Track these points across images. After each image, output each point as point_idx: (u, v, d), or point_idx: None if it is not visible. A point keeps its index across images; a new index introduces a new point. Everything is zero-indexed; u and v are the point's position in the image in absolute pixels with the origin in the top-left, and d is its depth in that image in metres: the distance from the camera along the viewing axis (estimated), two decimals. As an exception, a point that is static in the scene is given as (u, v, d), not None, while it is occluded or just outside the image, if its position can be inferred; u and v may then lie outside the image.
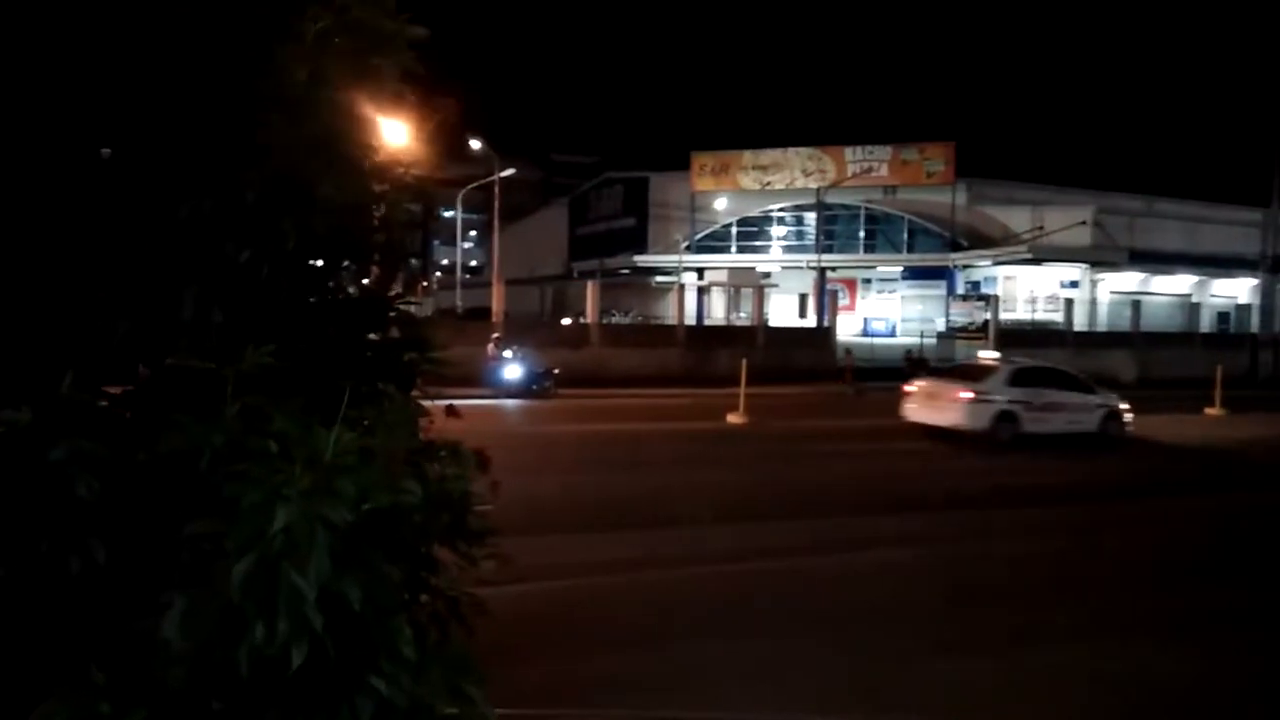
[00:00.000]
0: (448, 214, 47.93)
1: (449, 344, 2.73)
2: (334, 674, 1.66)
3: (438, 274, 60.42)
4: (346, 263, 2.64)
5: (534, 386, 21.76)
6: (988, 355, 21.29)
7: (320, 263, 2.54)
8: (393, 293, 2.64)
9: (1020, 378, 17.29)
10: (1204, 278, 47.30)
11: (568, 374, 23.41)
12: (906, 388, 18.82)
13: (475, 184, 40.44)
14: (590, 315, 29.65)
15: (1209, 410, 23.43)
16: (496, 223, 38.67)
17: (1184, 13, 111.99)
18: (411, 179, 2.63)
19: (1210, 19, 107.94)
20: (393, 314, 2.60)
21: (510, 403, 20.53)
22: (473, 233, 72.28)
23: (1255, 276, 41.34)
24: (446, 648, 2.06)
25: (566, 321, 34.65)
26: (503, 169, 36.78)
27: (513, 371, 21.67)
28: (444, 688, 1.80)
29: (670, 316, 33.74)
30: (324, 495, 1.58)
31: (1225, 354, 32.27)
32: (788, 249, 49.23)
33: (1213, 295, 47.94)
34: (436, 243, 71.72)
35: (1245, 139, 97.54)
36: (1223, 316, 47.71)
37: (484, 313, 30.03)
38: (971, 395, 16.73)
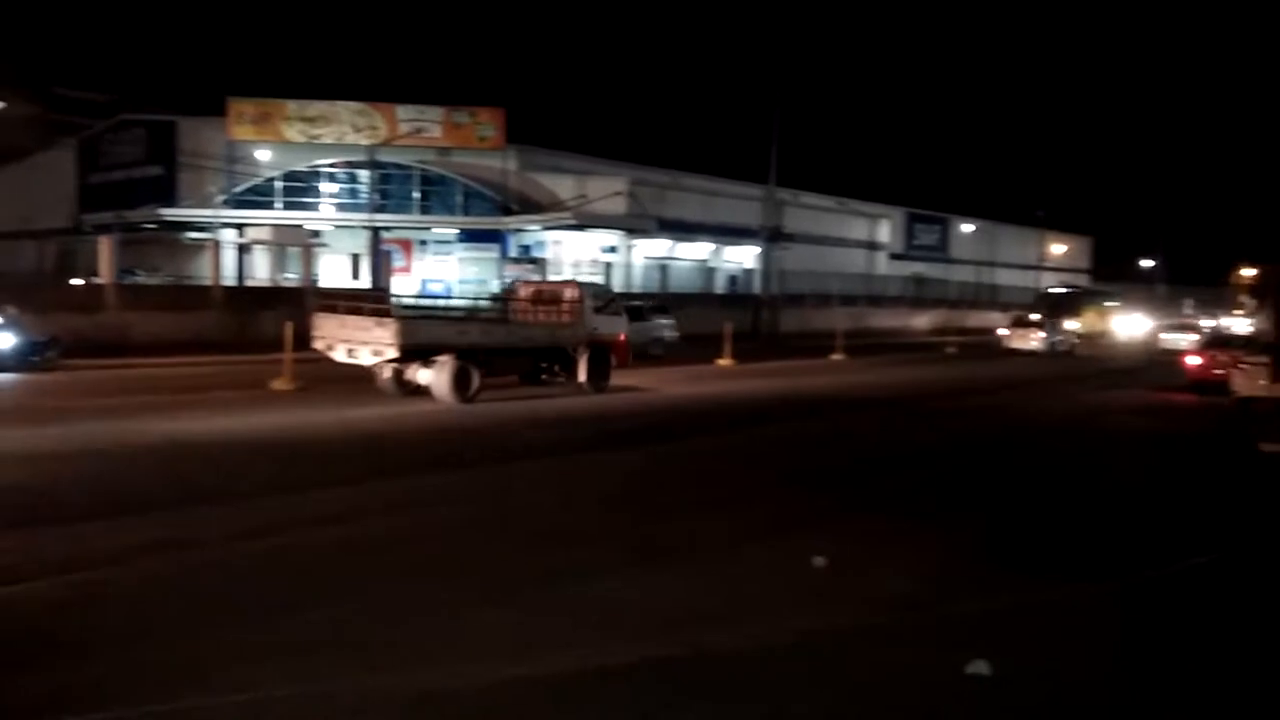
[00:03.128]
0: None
1: None
2: None
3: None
4: None
5: (31, 358, 18.64)
6: (1034, 316, 40.65)
7: None
8: None
9: (1050, 327, 38.46)
10: (719, 245, 53.64)
11: (79, 343, 20.46)
12: (1001, 330, 40.67)
13: (-54, 117, 33.50)
14: (105, 275, 26.12)
15: (720, 361, 26.63)
16: (-22, 165, 32.41)
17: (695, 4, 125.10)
18: None
19: (715, 12, 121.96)
20: None
21: (-3, 378, 17.43)
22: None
23: (758, 245, 47.72)
24: None
25: (77, 282, 30.17)
26: (-16, 100, 30.87)
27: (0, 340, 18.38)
28: None
29: (206, 277, 30.80)
30: None
31: (735, 312, 36.94)
32: (340, 207, 47.31)
33: (725, 261, 54.58)
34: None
35: (751, 123, 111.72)
36: (733, 280, 54.58)
37: (-38, 271, 25.11)
38: (1044, 335, 37.76)
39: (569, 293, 19.57)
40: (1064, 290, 53.77)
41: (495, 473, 10.91)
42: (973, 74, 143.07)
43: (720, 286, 51.77)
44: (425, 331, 16.49)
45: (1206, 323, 49.98)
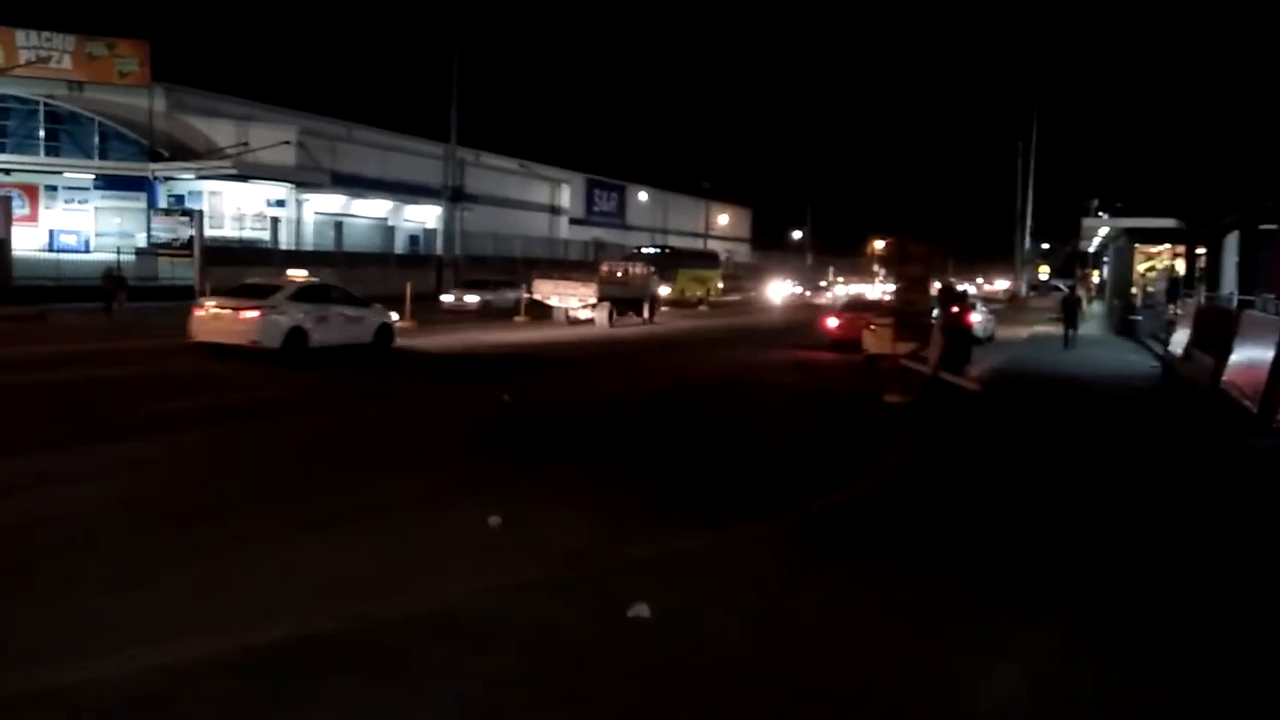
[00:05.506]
0: None
1: None
2: None
3: None
4: None
5: None
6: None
7: None
8: None
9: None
10: (398, 203, 51.94)
11: None
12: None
13: None
14: None
15: (401, 323, 25.79)
16: None
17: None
18: None
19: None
20: None
21: None
22: None
23: (439, 204, 46.76)
24: None
25: None
26: None
27: None
28: None
29: None
30: None
31: (416, 273, 35.99)
32: (-59, 143, 40.41)
33: (406, 220, 52.97)
34: None
35: (430, 76, 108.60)
36: (414, 239, 53.12)
37: None
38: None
39: (639, 268, 35.18)
40: (655, 251, 49.87)
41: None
42: (646, 45, 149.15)
43: (401, 246, 50.18)
44: (607, 290, 30.88)
45: (843, 289, 55.40)
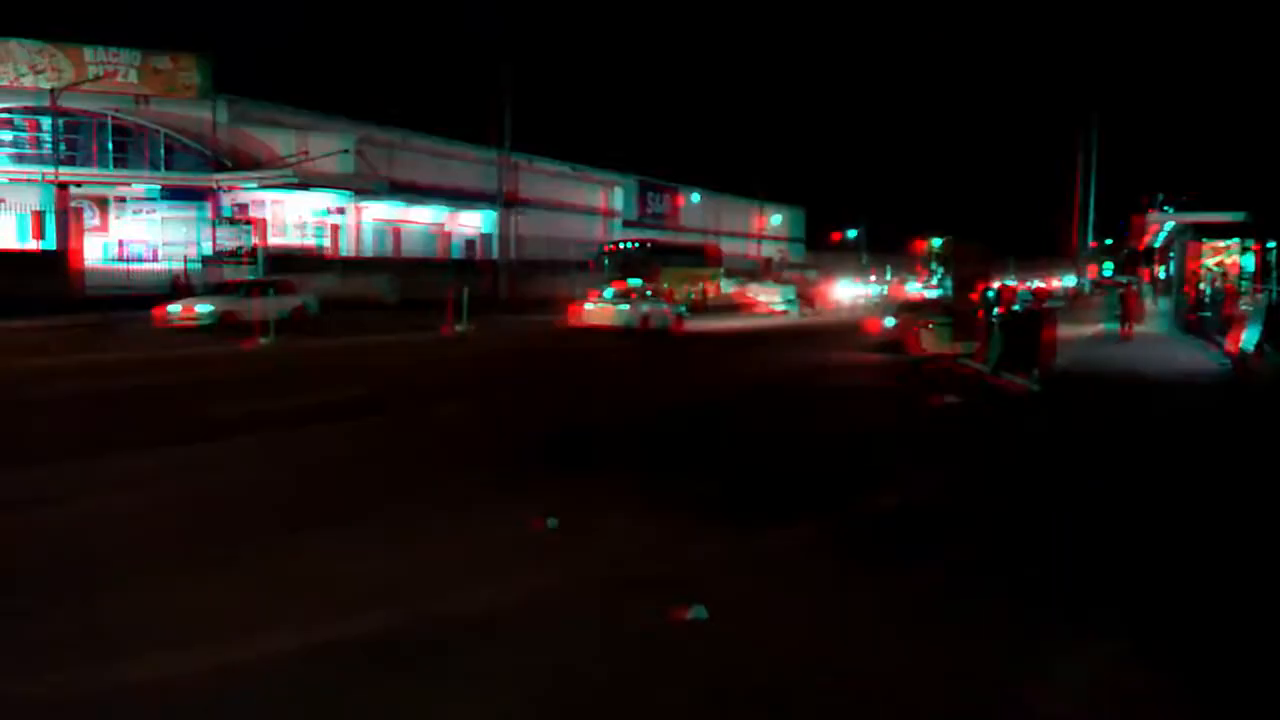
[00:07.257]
0: None
1: None
2: None
3: None
4: None
5: None
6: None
7: None
8: None
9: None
10: (453, 209, 52.51)
11: None
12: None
13: None
14: None
15: (457, 327, 26.17)
16: None
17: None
18: None
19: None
20: None
21: None
22: None
23: (493, 210, 47.20)
24: None
25: None
26: None
27: None
28: None
29: None
30: None
31: (471, 278, 36.39)
32: (16, 159, 41.77)
33: (461, 225, 53.54)
34: None
35: (481, 83, 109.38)
36: (469, 244, 53.69)
37: None
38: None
39: (810, 274, 48.89)
40: (632, 246, 44.03)
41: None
42: (696, 46, 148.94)
43: (457, 252, 50.73)
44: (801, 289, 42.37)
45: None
